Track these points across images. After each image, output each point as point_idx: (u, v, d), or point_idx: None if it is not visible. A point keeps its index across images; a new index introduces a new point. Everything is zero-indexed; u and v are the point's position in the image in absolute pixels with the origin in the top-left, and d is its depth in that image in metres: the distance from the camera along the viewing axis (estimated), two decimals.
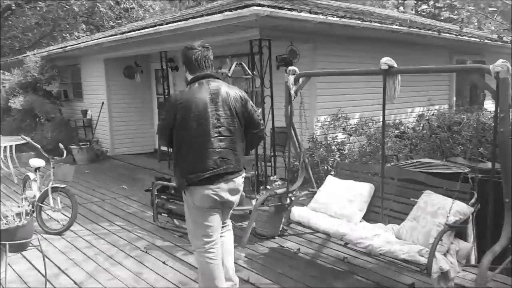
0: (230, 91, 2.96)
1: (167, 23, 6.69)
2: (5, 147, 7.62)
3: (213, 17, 5.70)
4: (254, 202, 4.65)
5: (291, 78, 4.24)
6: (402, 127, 7.53)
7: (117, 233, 4.86)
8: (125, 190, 6.89)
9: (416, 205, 3.60)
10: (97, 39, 9.04)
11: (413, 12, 17.34)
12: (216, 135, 2.84)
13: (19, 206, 5.45)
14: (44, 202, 4.90)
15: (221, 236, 3.08)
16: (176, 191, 4.92)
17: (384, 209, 3.87)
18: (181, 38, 7.05)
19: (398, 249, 3.21)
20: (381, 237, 3.44)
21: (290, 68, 4.30)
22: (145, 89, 10.46)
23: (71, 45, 10.11)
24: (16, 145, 7.90)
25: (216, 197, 2.86)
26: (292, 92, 4.24)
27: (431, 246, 3.09)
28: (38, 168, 5.22)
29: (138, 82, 10.09)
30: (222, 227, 3.11)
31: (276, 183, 4.85)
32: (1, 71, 12.09)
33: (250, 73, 5.24)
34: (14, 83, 11.08)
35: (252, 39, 6.06)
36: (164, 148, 8.47)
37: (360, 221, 3.90)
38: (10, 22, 21.19)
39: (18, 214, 3.29)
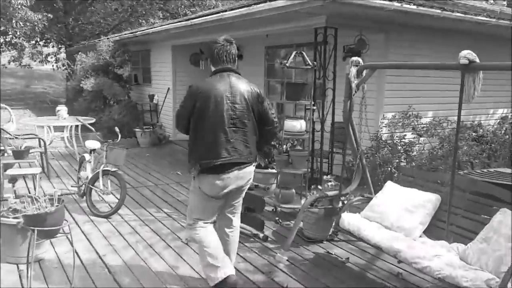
0: (248, 87, 3.09)
1: (231, 10, 6.49)
2: (71, 126, 7.93)
3: (276, 2, 5.40)
4: (303, 201, 4.33)
5: (353, 70, 3.82)
6: (481, 130, 6.74)
7: (163, 220, 4.79)
8: (179, 177, 6.87)
9: (489, 224, 3.06)
10: (166, 25, 9.12)
11: (505, 3, 15.69)
12: (230, 126, 2.97)
13: (72, 186, 5.67)
14: (95, 184, 4.96)
15: (229, 234, 3.26)
16: None
17: (450, 225, 3.35)
18: (243, 25, 6.83)
19: (461, 275, 2.73)
20: (442, 258, 2.95)
21: (353, 58, 3.87)
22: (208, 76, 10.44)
23: (141, 31, 10.33)
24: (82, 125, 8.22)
25: (222, 187, 3.01)
26: (354, 85, 3.82)
27: (504, 276, 2.59)
28: (94, 150, 5.29)
29: (202, 70, 10.07)
30: (230, 226, 3.27)
31: (330, 183, 4.48)
32: (79, 53, 12.69)
33: (311, 63, 4.88)
34: (88, 65, 11.61)
35: (317, 27, 5.68)
36: None
37: (420, 236, 3.42)
38: (93, 8, 22.41)
39: (51, 199, 3.24)
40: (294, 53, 4.83)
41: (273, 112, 3.20)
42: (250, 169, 3.12)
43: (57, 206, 3.20)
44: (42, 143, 6.68)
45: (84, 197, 5.04)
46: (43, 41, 21.31)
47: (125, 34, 11.57)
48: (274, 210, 5.05)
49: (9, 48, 20.57)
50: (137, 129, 9.66)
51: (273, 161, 5.55)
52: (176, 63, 10.07)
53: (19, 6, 12.77)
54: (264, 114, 3.12)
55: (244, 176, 3.07)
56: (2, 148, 6.16)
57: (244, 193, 3.25)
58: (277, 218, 4.77)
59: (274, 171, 5.54)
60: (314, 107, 5.39)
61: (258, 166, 5.48)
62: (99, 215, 4.82)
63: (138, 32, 10.33)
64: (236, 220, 3.32)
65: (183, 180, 6.60)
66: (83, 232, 4.37)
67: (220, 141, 2.95)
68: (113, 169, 4.91)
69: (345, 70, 3.89)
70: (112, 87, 10.74)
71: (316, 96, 5.92)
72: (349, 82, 3.85)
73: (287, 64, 4.74)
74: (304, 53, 4.91)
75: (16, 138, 6.55)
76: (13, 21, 13.35)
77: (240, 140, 3.00)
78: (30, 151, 6.47)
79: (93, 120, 8.06)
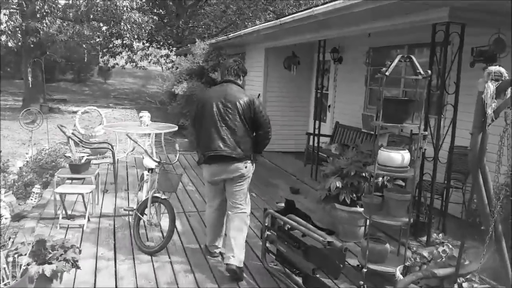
0: (242, 96, 3.58)
1: (323, 4, 5.32)
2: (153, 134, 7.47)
3: None
4: (398, 272, 3.00)
5: (491, 87, 2.42)
6: None
7: (215, 265, 3.83)
8: (252, 199, 5.90)
9: None
10: (256, 26, 8.26)
11: None
12: (222, 125, 3.53)
13: (125, 209, 5.01)
14: (145, 212, 4.21)
15: (234, 213, 3.74)
16: (292, 229, 3.61)
17: None
18: (339, 22, 5.61)
19: None
20: None
21: (491, 69, 2.46)
22: (303, 82, 9.34)
23: (234, 33, 9.63)
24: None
25: (213, 174, 3.67)
26: (489, 111, 2.42)
27: None
28: (152, 169, 4.56)
29: (296, 75, 9.01)
30: (235, 206, 3.74)
31: (442, 248, 3.07)
32: (177, 56, 12.55)
33: (422, 72, 3.50)
34: (184, 68, 11.33)
35: (436, 23, 4.25)
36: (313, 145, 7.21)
37: None
38: (203, 11, 22.79)
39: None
40: (397, 58, 3.50)
41: (266, 118, 3.62)
42: (239, 165, 3.58)
43: (16, 281, 2.41)
44: (115, 152, 6.26)
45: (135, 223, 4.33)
46: (155, 43, 22.20)
47: (220, 38, 11.03)
48: (360, 267, 3.76)
49: (126, 49, 21.90)
50: None
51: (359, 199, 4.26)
52: (268, 67, 9.17)
53: (125, 9, 13.08)
54: (256, 119, 3.58)
55: (233, 169, 3.58)
56: (70, 155, 5.83)
57: (241, 186, 3.69)
58: (361, 283, 3.49)
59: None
60: (426, 132, 3.99)
61: (343, 203, 4.24)
62: (143, 251, 4.05)
63: (231, 35, 9.66)
64: (236, 206, 3.74)
65: (255, 206, 5.60)
66: (115, 274, 3.62)
67: (213, 137, 3.54)
68: (163, 197, 4.10)
69: (477, 87, 2.50)
70: (202, 91, 10.24)
71: (431, 113, 4.48)
72: (482, 104, 2.46)
73: (386, 73, 3.44)
74: (413, 58, 3.54)
75: (84, 144, 6.22)
76: (121, 23, 13.76)
77: (231, 138, 3.53)
78: (95, 162, 6.05)
79: (175, 128, 7.50)
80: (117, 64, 24.63)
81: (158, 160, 4.18)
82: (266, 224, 3.85)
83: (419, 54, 6.13)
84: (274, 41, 8.43)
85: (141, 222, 4.24)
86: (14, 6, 14.18)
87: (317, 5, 5.50)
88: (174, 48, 21.81)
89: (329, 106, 8.56)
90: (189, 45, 13.32)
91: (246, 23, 21.85)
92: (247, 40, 9.50)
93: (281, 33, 7.37)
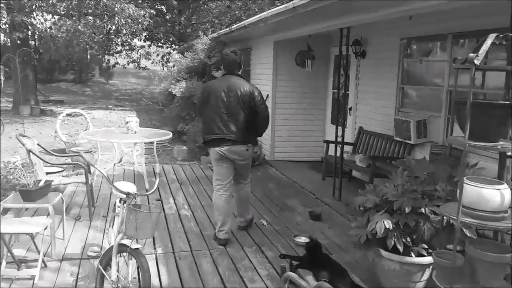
0: (243, 86, 4.02)
1: None
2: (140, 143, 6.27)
3: None
4: None
5: None
6: None
7: None
8: (262, 229, 4.66)
9: None
10: (265, 12, 7.01)
11: None
12: (224, 112, 3.98)
13: (89, 253, 3.77)
14: (110, 265, 2.97)
15: (240, 189, 4.40)
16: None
17: None
18: (366, 4, 4.37)
19: None
20: None
21: None
22: (318, 80, 8.09)
23: (237, 25, 8.40)
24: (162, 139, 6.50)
25: (220, 153, 4.05)
26: None
27: None
28: (127, 195, 3.21)
29: (310, 72, 7.76)
30: (240, 183, 4.37)
31: None
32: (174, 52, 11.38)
33: None
34: (183, 66, 10.13)
35: None
36: (332, 154, 5.97)
37: None
38: (206, 6, 21.59)
39: None
40: (491, 38, 2.25)
41: (262, 104, 4.06)
42: (241, 147, 4.07)
43: None
44: (97, 161, 5.08)
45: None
46: (155, 41, 21.05)
47: (221, 31, 9.82)
48: None
49: (125, 47, 20.75)
50: None
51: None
52: (277, 64, 7.92)
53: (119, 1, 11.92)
54: (255, 107, 4.02)
55: (236, 151, 4.06)
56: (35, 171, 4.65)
57: (245, 165, 4.25)
58: None
59: (422, 261, 3.00)
60: None
61: (394, 250, 3.00)
62: None
63: (234, 26, 8.44)
64: (240, 182, 4.37)
65: (271, 237, 4.37)
66: None
67: (216, 122, 4.00)
68: (135, 246, 2.86)
69: None
70: None
71: None
72: None
73: (475, 62, 2.19)
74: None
75: (50, 159, 5.03)
76: (116, 17, 12.58)
77: (232, 123, 3.98)
78: (64, 182, 4.86)
79: (169, 136, 6.31)
80: (117, 63, 23.50)
81: (126, 191, 2.93)
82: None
83: (469, 46, 4.88)
84: (284, 32, 7.20)
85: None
86: None
87: None
88: (177, 46, 20.64)
89: (350, 109, 7.29)
90: (189, 39, 12.09)
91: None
92: (253, 33, 8.27)
93: (293, 21, 6.13)
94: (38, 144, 4.94)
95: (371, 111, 6.70)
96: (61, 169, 5.58)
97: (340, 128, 5.83)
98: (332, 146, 6.61)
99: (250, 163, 4.32)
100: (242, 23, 7.78)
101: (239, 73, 4.15)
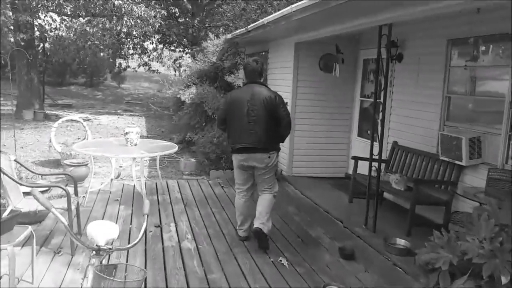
0: (267, 94, 4.10)
1: None
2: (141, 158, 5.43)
3: None
4: None
5: None
6: None
7: None
8: (283, 270, 3.76)
9: None
10: (287, 8, 6.14)
11: None
12: (250, 121, 4.06)
13: None
14: None
15: (262, 194, 4.31)
16: None
17: None
18: None
19: None
20: None
21: None
22: (344, 88, 7.18)
23: (254, 24, 7.55)
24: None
25: (243, 161, 4.16)
26: None
27: None
28: (97, 251, 2.24)
29: (335, 78, 6.87)
30: (263, 190, 4.29)
31: None
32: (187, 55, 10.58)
33: None
34: (194, 70, 9.31)
35: None
36: (361, 173, 5.03)
37: None
38: (221, 9, 20.88)
39: None
40: None
41: (285, 110, 4.13)
42: (263, 155, 4.10)
43: None
44: (91, 175, 4.26)
45: None
46: (168, 44, 20.38)
47: (237, 32, 8.99)
48: None
49: (137, 49, 20.09)
50: None
51: None
52: (299, 68, 7.04)
53: (127, 2, 11.20)
54: (278, 114, 4.09)
55: (258, 158, 4.10)
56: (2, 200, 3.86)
57: (268, 173, 4.20)
58: None
59: None
60: None
61: None
62: None
63: (251, 25, 7.60)
64: (265, 190, 4.28)
65: (293, 284, 3.46)
66: None
67: (242, 131, 4.10)
68: None
69: None
70: (215, 99, 8.18)
71: None
72: None
73: None
74: None
75: (27, 181, 4.20)
76: (125, 18, 11.87)
77: (257, 131, 4.05)
78: (41, 209, 4.02)
79: (174, 150, 5.49)
80: (128, 66, 22.91)
81: (96, 245, 2.06)
82: None
83: None
84: (308, 32, 6.32)
85: None
86: None
87: None
88: (189, 50, 19.91)
89: (382, 120, 6.34)
90: (202, 42, 11.26)
91: None
92: (272, 33, 7.41)
93: (322, 18, 5.25)
94: (15, 160, 4.13)
95: (408, 123, 5.76)
96: (46, 188, 4.78)
97: (376, 143, 4.92)
98: (361, 163, 5.70)
99: (274, 171, 4.29)
100: (260, 21, 6.93)
101: (261, 81, 4.28)
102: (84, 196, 5.32)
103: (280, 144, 4.36)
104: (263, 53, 8.91)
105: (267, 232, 4.16)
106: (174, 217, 5.05)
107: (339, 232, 4.77)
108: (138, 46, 18.90)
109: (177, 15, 20.96)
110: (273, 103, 4.05)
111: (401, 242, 4.29)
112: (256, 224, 4.16)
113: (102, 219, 4.95)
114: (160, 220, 4.91)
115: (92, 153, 5.11)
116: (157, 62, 22.11)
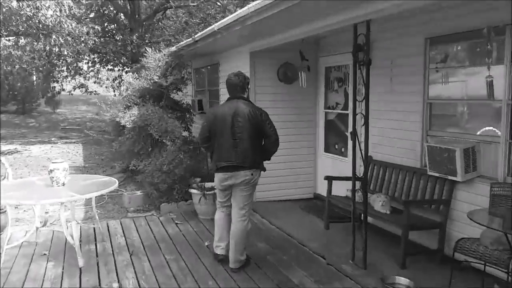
0: (249, 109, 3.91)
1: None
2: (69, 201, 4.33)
3: None
4: None
5: None
6: None
7: None
8: None
9: None
10: (245, 8, 5.35)
11: None
12: (235, 138, 3.88)
13: None
14: None
15: (235, 222, 4.02)
16: None
17: None
18: None
19: None
20: None
21: None
22: (306, 98, 6.49)
23: (202, 32, 6.69)
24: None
25: (224, 181, 3.97)
26: None
27: None
28: None
29: (299, 88, 6.18)
30: (238, 212, 4.01)
31: None
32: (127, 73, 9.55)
33: None
34: (136, 89, 8.25)
35: None
36: (335, 194, 4.29)
37: None
38: (161, 24, 19.90)
39: None
40: None
41: (272, 128, 3.94)
42: (247, 172, 3.90)
43: None
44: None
45: None
46: (104, 63, 19.02)
47: (183, 43, 8.11)
48: None
49: (71, 71, 18.51)
50: (193, 190, 5.90)
51: None
52: (255, 80, 6.26)
53: (54, 16, 9.97)
54: (264, 130, 3.92)
55: (239, 176, 3.90)
56: None
57: (246, 191, 3.96)
58: None
59: None
60: None
61: None
62: None
63: (198, 34, 6.75)
64: (239, 212, 4.00)
65: None
66: None
67: (225, 149, 3.91)
68: None
69: None
70: (162, 120, 7.18)
71: None
72: None
73: None
74: None
75: None
76: (53, 36, 10.59)
77: (242, 149, 3.86)
78: None
79: (113, 187, 4.48)
80: (63, 90, 21.14)
81: None
82: None
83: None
84: (266, 38, 5.58)
85: None
86: None
87: None
88: (129, 68, 18.65)
89: (352, 133, 5.69)
90: (141, 59, 10.19)
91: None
92: (223, 43, 6.61)
93: (279, 23, 4.53)
94: None
95: (383, 135, 5.12)
96: None
97: (358, 160, 4.21)
98: (335, 183, 5.01)
99: (252, 191, 4.05)
100: (209, 28, 6.09)
101: (245, 96, 4.07)
102: None
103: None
104: (214, 65, 8.08)
105: (236, 266, 4.02)
106: (117, 273, 4.00)
107: (323, 272, 3.96)
108: (71, 67, 17.37)
109: (114, 32, 19.70)
110: (258, 120, 3.87)
111: (401, 280, 3.57)
112: (233, 265, 3.99)
113: (23, 284, 3.83)
114: (99, 279, 3.86)
115: (5, 200, 3.97)
116: (94, 82, 20.61)
